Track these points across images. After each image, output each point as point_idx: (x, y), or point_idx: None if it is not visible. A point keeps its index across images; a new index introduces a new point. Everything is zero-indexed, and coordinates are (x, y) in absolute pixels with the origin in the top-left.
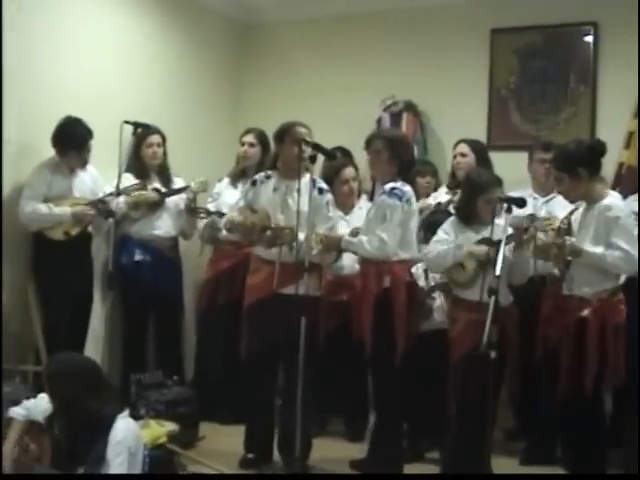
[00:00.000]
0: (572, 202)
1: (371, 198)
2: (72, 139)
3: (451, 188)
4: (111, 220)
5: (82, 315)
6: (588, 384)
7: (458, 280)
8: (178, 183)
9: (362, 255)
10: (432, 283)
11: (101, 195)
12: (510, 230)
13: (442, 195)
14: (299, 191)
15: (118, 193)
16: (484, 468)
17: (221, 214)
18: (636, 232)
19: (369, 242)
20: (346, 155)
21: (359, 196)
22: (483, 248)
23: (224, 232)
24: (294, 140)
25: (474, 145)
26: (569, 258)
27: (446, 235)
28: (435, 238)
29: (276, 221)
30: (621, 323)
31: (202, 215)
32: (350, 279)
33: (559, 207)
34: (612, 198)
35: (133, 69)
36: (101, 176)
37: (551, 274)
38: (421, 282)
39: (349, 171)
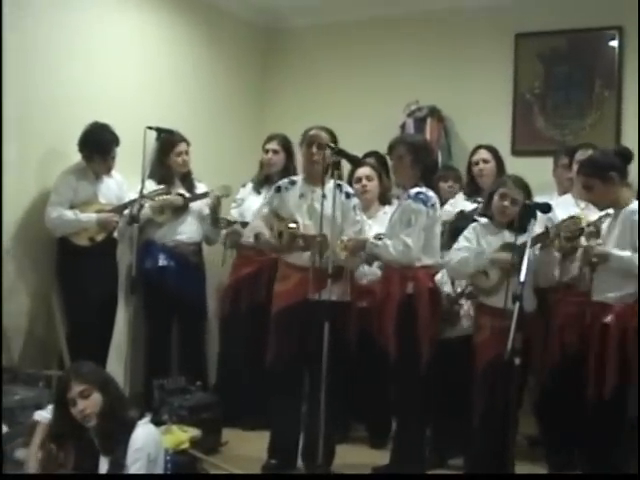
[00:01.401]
0: (602, 209)
1: None
2: (98, 144)
3: (470, 195)
4: (135, 226)
5: (106, 320)
6: (610, 391)
7: (482, 287)
8: (201, 188)
9: (385, 259)
10: (459, 289)
11: (126, 201)
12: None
13: (460, 202)
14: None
15: (142, 198)
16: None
17: (242, 223)
18: None
19: (393, 246)
20: (381, 161)
21: (388, 202)
22: (506, 256)
23: (247, 238)
24: (310, 143)
25: (493, 150)
26: (594, 260)
27: (467, 242)
28: (456, 245)
29: (305, 228)
30: None
31: (222, 225)
32: (371, 285)
33: (562, 207)
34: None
35: (157, 75)
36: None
37: (576, 279)
38: (447, 288)
39: (362, 170)
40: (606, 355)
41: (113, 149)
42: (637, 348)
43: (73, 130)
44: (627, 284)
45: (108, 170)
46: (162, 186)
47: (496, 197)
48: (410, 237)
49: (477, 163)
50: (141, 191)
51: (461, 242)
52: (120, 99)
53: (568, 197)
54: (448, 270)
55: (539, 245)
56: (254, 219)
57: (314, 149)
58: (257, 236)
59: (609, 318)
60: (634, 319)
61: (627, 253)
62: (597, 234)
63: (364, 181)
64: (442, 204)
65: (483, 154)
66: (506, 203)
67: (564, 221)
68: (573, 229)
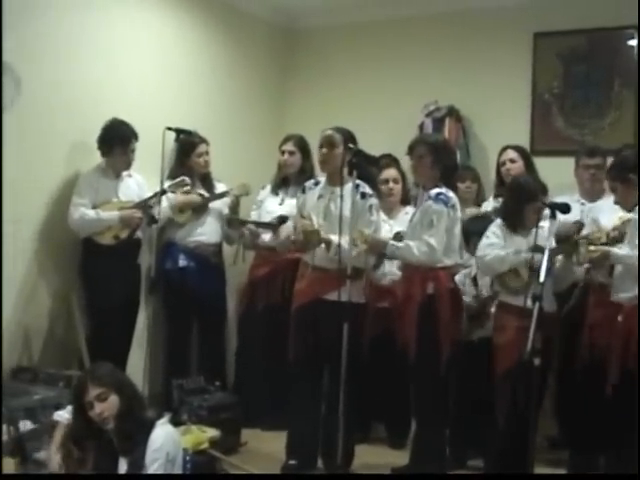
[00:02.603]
0: (629, 211)
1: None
2: (118, 137)
3: (500, 196)
4: (154, 226)
5: (129, 321)
6: (609, 390)
7: (512, 286)
8: (220, 188)
9: (409, 261)
10: (483, 290)
11: (147, 197)
12: (554, 237)
13: (490, 203)
14: (341, 197)
15: (163, 193)
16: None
17: (255, 223)
18: None
19: (417, 248)
20: (393, 162)
21: (408, 203)
22: (536, 257)
23: (264, 238)
24: (322, 143)
25: (522, 151)
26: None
27: (497, 239)
28: (487, 242)
29: (319, 227)
30: None
31: (235, 225)
32: (392, 286)
33: (606, 212)
34: None
35: (176, 75)
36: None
37: (592, 282)
38: (468, 289)
39: (389, 172)
40: (619, 355)
41: (133, 142)
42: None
43: (95, 131)
44: (635, 285)
45: (128, 165)
46: (181, 178)
47: (528, 209)
48: (433, 238)
49: (504, 163)
50: (161, 189)
51: (491, 238)
52: (139, 99)
53: (611, 200)
54: (481, 266)
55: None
56: (291, 221)
57: (324, 150)
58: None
59: (620, 317)
60: None
61: (624, 251)
62: (621, 238)
63: (391, 184)
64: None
65: (510, 154)
66: (538, 216)
67: (588, 234)
68: (596, 239)
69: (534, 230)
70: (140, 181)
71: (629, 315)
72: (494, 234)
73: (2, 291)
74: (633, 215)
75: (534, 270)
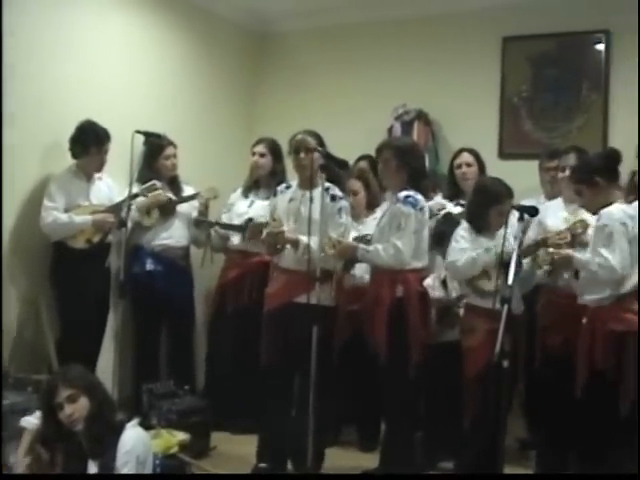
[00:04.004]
0: (593, 213)
1: None
2: (94, 137)
3: (451, 198)
4: (123, 229)
5: (99, 325)
6: (578, 391)
7: (482, 289)
8: (188, 191)
9: (377, 264)
10: (453, 293)
11: (118, 201)
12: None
13: (438, 204)
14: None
15: (135, 196)
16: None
17: (224, 225)
18: (622, 241)
19: (385, 250)
20: (373, 165)
21: (377, 206)
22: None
23: (233, 241)
24: (297, 148)
25: (477, 154)
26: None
27: (467, 242)
28: (457, 246)
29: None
30: (622, 331)
31: (205, 227)
32: (362, 289)
33: (551, 213)
34: (612, 207)
35: (146, 78)
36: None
37: (548, 283)
38: (438, 292)
39: (350, 184)
40: (583, 357)
41: (108, 141)
42: (608, 350)
43: (65, 132)
44: (602, 287)
45: (101, 166)
46: (152, 182)
47: (494, 212)
48: (401, 241)
49: (460, 166)
50: (129, 192)
51: (461, 242)
52: (108, 101)
53: (558, 201)
54: (452, 270)
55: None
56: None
57: (302, 154)
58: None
59: (584, 320)
60: (608, 322)
61: (585, 256)
62: (578, 241)
63: (351, 197)
64: None
65: (466, 157)
66: (503, 218)
67: (550, 237)
68: (562, 239)
69: (501, 232)
70: (110, 184)
71: (594, 317)
72: (463, 238)
73: (2, 292)
74: (591, 218)
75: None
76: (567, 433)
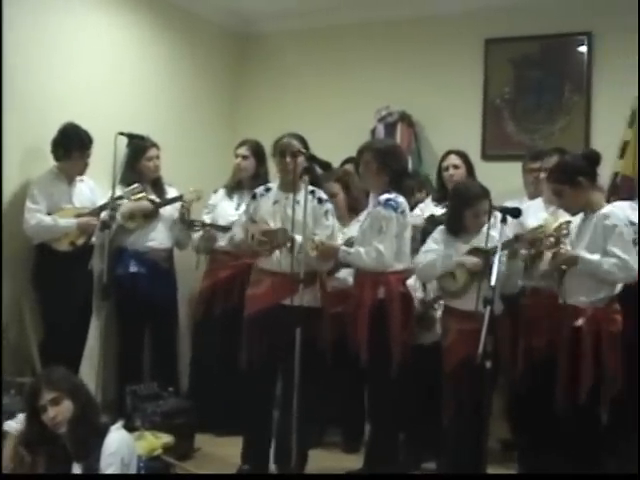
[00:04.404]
0: (573, 214)
1: None
2: (77, 140)
3: (440, 201)
4: (106, 232)
5: (82, 327)
6: (583, 394)
7: (449, 290)
8: (172, 193)
9: (359, 266)
10: (432, 294)
11: (102, 203)
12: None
13: (429, 207)
14: (294, 201)
15: (118, 199)
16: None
17: (217, 227)
18: (632, 241)
19: (366, 253)
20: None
21: (361, 210)
22: (473, 259)
23: (220, 243)
24: (283, 152)
25: (464, 156)
26: (563, 267)
27: (436, 245)
28: (424, 248)
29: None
30: (616, 333)
31: (197, 228)
32: (345, 291)
33: (531, 213)
34: (611, 207)
35: (129, 79)
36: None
37: (540, 284)
38: (419, 294)
39: (328, 187)
40: (579, 358)
41: (90, 145)
42: (610, 353)
43: (46, 135)
44: (600, 288)
45: (83, 169)
46: (136, 185)
47: (469, 214)
48: (382, 244)
49: (447, 169)
50: (113, 195)
51: (428, 244)
52: (90, 103)
53: (538, 202)
54: (416, 272)
55: (507, 253)
56: (234, 227)
57: (287, 159)
58: (231, 238)
59: (580, 321)
60: (606, 323)
61: (596, 257)
62: (557, 243)
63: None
64: (412, 210)
65: (453, 159)
66: (480, 220)
67: (529, 232)
68: (537, 239)
69: (478, 234)
70: (92, 186)
71: (593, 318)
72: (433, 240)
73: (2, 293)
74: (571, 218)
75: (473, 273)
76: (551, 435)
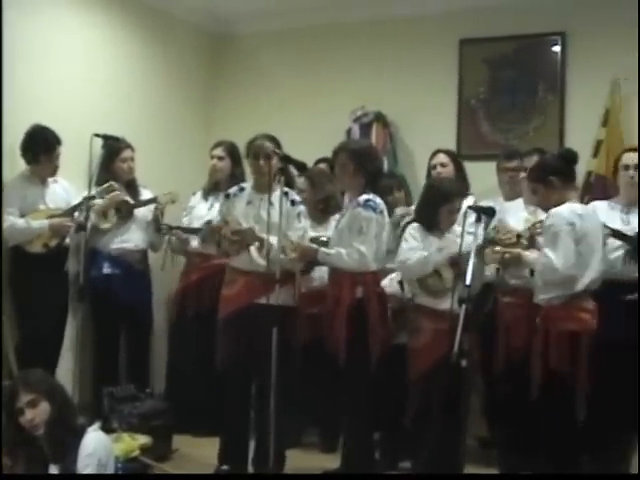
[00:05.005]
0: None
1: None
2: (42, 143)
3: None
4: (82, 233)
5: (58, 329)
6: (534, 391)
7: (433, 288)
8: (146, 195)
9: (340, 268)
10: (409, 294)
11: (75, 204)
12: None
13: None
14: (269, 201)
15: (91, 198)
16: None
17: (184, 229)
18: (568, 241)
19: (348, 255)
20: (332, 167)
21: (339, 210)
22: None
23: (193, 244)
24: (257, 154)
25: (452, 154)
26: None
27: (417, 242)
28: (407, 246)
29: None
30: (576, 331)
31: (164, 231)
32: (321, 291)
33: (513, 213)
34: (563, 206)
35: (103, 80)
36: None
37: (503, 282)
38: (396, 292)
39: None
40: (536, 356)
41: (57, 147)
42: (562, 350)
43: (20, 137)
44: (553, 286)
45: (54, 171)
46: (109, 183)
47: (443, 211)
48: (364, 245)
49: (435, 167)
50: (88, 195)
51: (411, 242)
52: (64, 105)
53: (519, 202)
54: (404, 270)
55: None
56: (204, 226)
57: (261, 161)
58: (202, 237)
59: (538, 319)
60: (561, 321)
61: (533, 255)
62: (532, 242)
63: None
64: (390, 214)
65: (441, 158)
66: (454, 217)
67: (497, 233)
68: (507, 240)
69: (450, 231)
70: (66, 186)
71: (547, 316)
72: (412, 237)
73: (2, 294)
74: (544, 218)
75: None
76: (528, 434)
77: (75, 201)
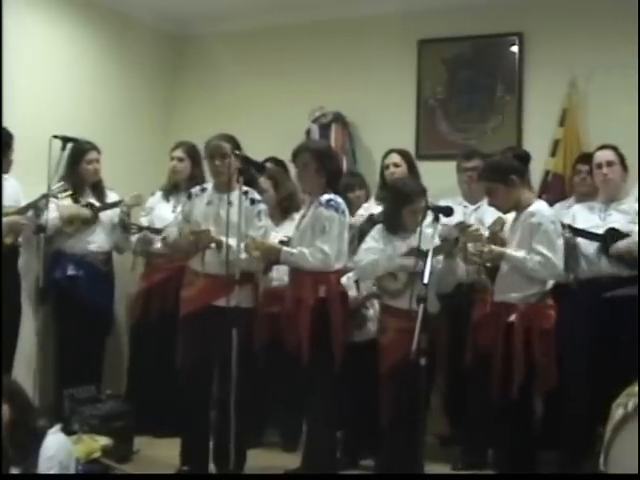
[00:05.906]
0: (505, 212)
1: None
2: None
3: (382, 199)
4: (41, 235)
5: (12, 329)
6: (515, 389)
7: (389, 289)
8: (112, 197)
9: (303, 267)
10: (364, 293)
11: (30, 202)
12: (438, 240)
13: (373, 206)
14: (229, 202)
15: (45, 197)
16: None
17: (153, 229)
18: (558, 239)
19: (311, 254)
20: (279, 165)
21: (297, 210)
22: (411, 260)
23: (157, 245)
24: (213, 154)
25: (405, 155)
26: (488, 264)
27: (375, 243)
28: (364, 246)
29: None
30: (548, 329)
31: (134, 230)
32: (280, 291)
33: (489, 214)
34: (538, 205)
35: (64, 81)
36: (28, 190)
37: (479, 281)
38: (352, 292)
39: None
40: (512, 355)
41: (10, 143)
42: (542, 348)
43: None
44: (530, 285)
45: (7, 167)
46: (61, 183)
47: (407, 212)
48: (327, 244)
49: (388, 167)
50: (47, 198)
51: (369, 242)
52: (24, 107)
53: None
54: (358, 270)
55: (443, 252)
56: (168, 227)
57: (217, 162)
58: (165, 238)
59: (513, 317)
60: (538, 319)
61: (521, 254)
62: (499, 240)
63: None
64: (351, 213)
65: (394, 158)
66: (418, 217)
67: (468, 232)
68: (476, 238)
69: (416, 232)
70: (15, 184)
71: (525, 315)
72: (372, 238)
73: (2, 295)
74: (510, 217)
75: (414, 273)
76: (491, 431)
77: (24, 200)
